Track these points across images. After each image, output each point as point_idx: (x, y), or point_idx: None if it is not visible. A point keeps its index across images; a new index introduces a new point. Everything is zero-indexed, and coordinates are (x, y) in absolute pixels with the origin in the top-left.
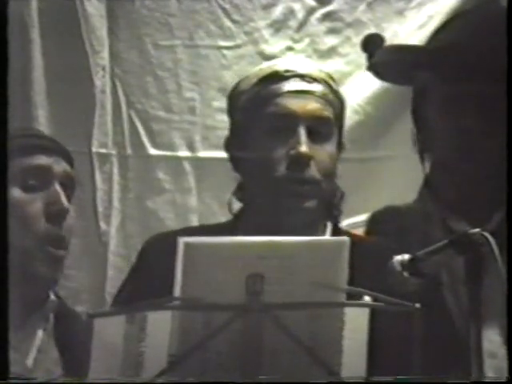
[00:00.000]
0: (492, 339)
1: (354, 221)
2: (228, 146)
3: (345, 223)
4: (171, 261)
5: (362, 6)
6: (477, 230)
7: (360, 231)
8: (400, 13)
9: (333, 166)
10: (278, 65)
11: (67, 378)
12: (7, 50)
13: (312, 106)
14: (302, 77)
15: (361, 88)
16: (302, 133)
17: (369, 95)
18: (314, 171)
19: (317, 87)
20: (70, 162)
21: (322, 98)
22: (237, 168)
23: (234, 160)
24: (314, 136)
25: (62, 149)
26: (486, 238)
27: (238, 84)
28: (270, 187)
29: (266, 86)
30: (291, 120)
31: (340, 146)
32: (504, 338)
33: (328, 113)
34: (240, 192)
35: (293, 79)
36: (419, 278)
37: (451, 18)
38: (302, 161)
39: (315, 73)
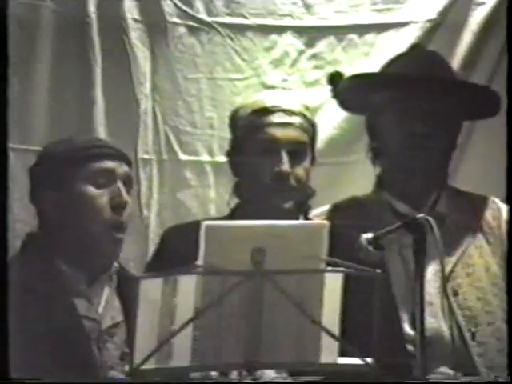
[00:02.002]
0: (431, 292)
1: (319, 210)
2: (229, 156)
3: (313, 212)
4: (183, 244)
5: (339, 49)
6: (422, 215)
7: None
8: (366, 54)
9: (307, 176)
10: (267, 100)
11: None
12: (7, 51)
13: (292, 134)
14: (284, 111)
15: (337, 109)
16: (284, 155)
17: (345, 114)
18: (292, 182)
19: (296, 119)
20: (129, 164)
21: (300, 127)
22: (235, 173)
23: (233, 167)
24: (293, 157)
25: (124, 155)
26: (429, 221)
27: (237, 110)
28: (259, 193)
29: (258, 117)
30: (276, 145)
31: (313, 160)
32: (439, 291)
33: (304, 138)
34: (237, 190)
35: (277, 113)
36: (380, 251)
37: (398, 55)
38: (283, 176)
39: (295, 107)
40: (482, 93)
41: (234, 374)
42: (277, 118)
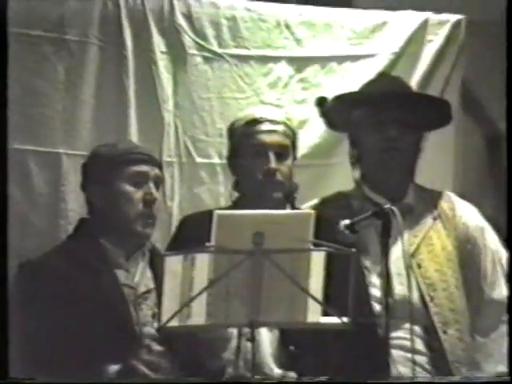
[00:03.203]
0: (399, 266)
1: (311, 203)
2: (228, 159)
3: (306, 204)
4: (198, 228)
5: (321, 74)
6: (388, 205)
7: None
8: (343, 78)
9: (290, 172)
10: (256, 113)
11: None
12: (7, 54)
13: (277, 139)
14: (270, 121)
15: (320, 122)
16: (271, 156)
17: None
18: (279, 177)
19: (280, 127)
20: (160, 167)
21: (283, 134)
22: (233, 173)
23: (231, 168)
24: (279, 157)
25: (156, 160)
26: (393, 210)
27: (233, 123)
28: (254, 187)
29: (250, 127)
30: (265, 148)
31: (294, 159)
32: (406, 265)
33: (287, 142)
34: (236, 187)
35: (265, 123)
36: (354, 234)
37: (370, 80)
38: (271, 172)
39: (279, 118)
40: (438, 103)
41: (234, 334)
42: (264, 126)
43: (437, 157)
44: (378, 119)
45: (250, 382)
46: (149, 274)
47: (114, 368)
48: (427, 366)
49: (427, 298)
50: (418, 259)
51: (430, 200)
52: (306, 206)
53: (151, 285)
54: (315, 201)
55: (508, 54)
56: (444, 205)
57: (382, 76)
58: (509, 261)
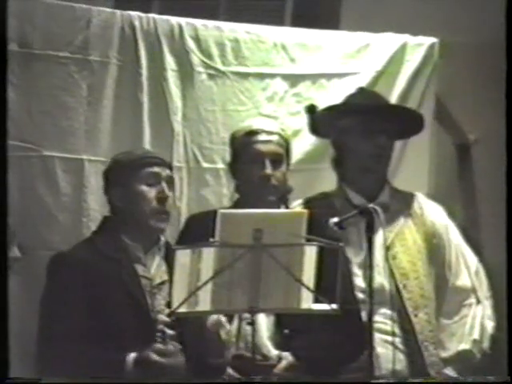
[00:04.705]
0: (378, 258)
1: (297, 202)
2: (229, 165)
3: (293, 204)
4: (202, 226)
5: (313, 89)
6: (371, 205)
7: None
8: (331, 93)
9: (284, 177)
10: (254, 125)
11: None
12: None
13: (272, 148)
14: (266, 132)
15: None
16: (267, 163)
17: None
18: (273, 182)
19: (274, 137)
20: (171, 169)
21: (277, 143)
22: (234, 177)
23: (232, 173)
24: (274, 164)
25: (167, 162)
26: (376, 209)
27: (234, 133)
28: (251, 190)
29: (248, 137)
30: (261, 156)
31: (288, 166)
32: (383, 257)
33: (281, 151)
34: (237, 189)
35: (261, 134)
36: (342, 230)
37: (351, 94)
38: (267, 178)
39: (274, 129)
40: (411, 114)
41: (235, 319)
42: (261, 137)
43: (414, 162)
44: (368, 128)
45: (250, 382)
46: (163, 267)
47: (130, 358)
48: (400, 346)
49: (400, 286)
50: (393, 252)
51: (403, 200)
52: (293, 205)
53: (165, 277)
54: (300, 200)
55: (508, 55)
56: (415, 205)
57: (361, 90)
58: (509, 263)
